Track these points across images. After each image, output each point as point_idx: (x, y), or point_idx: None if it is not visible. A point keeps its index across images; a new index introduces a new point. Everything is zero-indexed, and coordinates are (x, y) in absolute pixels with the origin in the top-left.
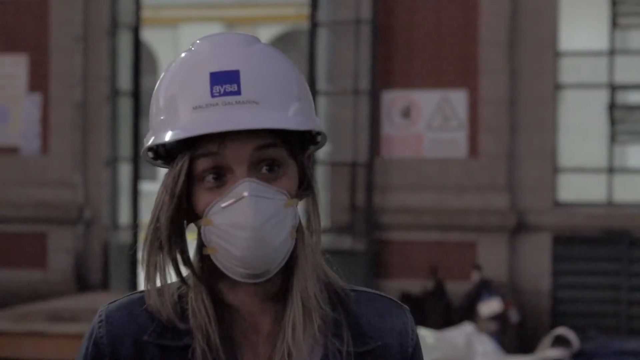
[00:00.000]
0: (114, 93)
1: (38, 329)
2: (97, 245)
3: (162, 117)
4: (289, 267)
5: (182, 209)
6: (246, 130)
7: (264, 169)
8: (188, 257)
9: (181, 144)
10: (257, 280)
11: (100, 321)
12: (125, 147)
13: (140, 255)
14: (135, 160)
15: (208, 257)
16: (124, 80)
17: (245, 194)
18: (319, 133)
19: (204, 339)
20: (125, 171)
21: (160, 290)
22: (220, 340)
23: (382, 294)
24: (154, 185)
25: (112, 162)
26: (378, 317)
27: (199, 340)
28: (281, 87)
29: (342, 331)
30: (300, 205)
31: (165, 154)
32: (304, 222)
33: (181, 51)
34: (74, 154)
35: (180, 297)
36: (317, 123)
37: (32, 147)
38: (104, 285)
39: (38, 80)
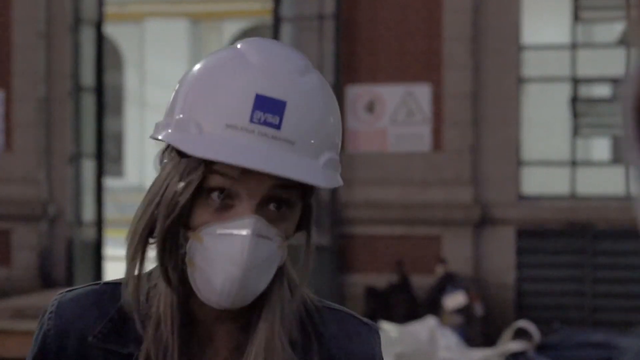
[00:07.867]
0: (77, 89)
1: (2, 326)
2: (61, 241)
3: (182, 115)
4: (262, 296)
5: (181, 218)
6: None
7: (272, 207)
8: (175, 266)
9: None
10: (224, 309)
11: (51, 312)
12: (89, 144)
13: (125, 247)
14: (99, 156)
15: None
16: (88, 77)
17: (249, 231)
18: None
19: (161, 351)
20: (89, 167)
21: (135, 283)
22: (178, 355)
23: (353, 313)
24: (118, 182)
25: (76, 159)
26: (346, 338)
27: (151, 351)
28: (319, 129)
29: (311, 356)
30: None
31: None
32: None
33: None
34: (38, 151)
35: (148, 296)
36: (339, 176)
37: None
38: (69, 281)
39: (0, 77)
